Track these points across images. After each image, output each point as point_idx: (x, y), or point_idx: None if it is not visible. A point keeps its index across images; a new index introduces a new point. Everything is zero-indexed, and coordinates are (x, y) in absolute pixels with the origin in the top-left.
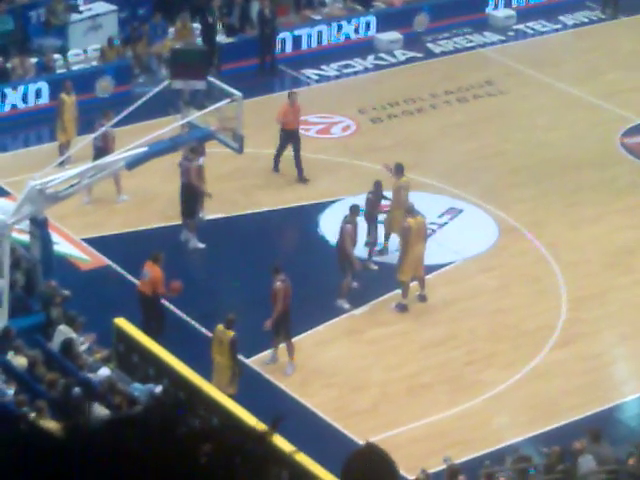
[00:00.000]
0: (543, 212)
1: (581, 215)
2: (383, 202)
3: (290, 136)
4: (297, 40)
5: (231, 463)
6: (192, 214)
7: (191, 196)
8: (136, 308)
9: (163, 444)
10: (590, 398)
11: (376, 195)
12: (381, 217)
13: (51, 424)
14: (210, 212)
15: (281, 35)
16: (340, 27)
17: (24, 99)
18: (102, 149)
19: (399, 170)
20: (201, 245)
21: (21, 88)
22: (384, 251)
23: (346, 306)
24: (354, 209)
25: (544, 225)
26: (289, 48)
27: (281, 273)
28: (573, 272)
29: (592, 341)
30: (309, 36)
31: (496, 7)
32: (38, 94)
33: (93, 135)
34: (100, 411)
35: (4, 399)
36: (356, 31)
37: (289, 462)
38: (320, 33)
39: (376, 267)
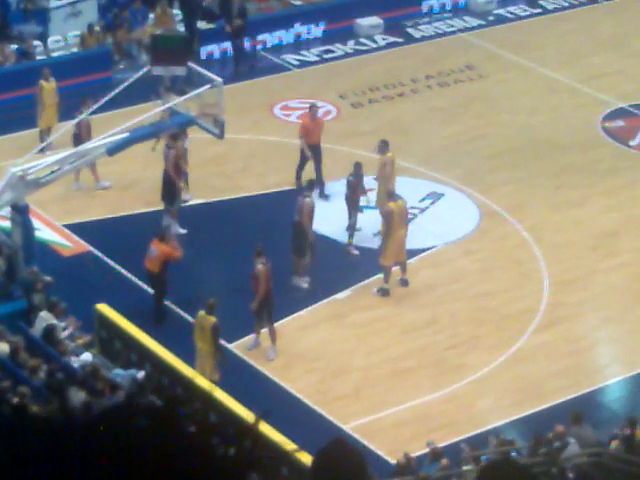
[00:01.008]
0: (525, 195)
1: (564, 198)
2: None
3: (311, 150)
4: (277, 25)
5: (224, 455)
6: (172, 200)
7: (171, 182)
8: (118, 294)
9: (160, 438)
10: (573, 381)
11: (356, 177)
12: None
13: (34, 409)
14: (192, 197)
15: (261, 21)
16: (320, 10)
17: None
18: (77, 136)
19: (384, 145)
20: (182, 231)
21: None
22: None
23: (304, 285)
24: (311, 184)
25: (526, 208)
26: (270, 33)
27: (262, 256)
28: (556, 255)
29: (575, 324)
30: (289, 21)
31: None
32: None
33: (72, 122)
34: (79, 396)
35: None
36: (336, 16)
37: (287, 458)
38: (300, 18)
39: (357, 252)
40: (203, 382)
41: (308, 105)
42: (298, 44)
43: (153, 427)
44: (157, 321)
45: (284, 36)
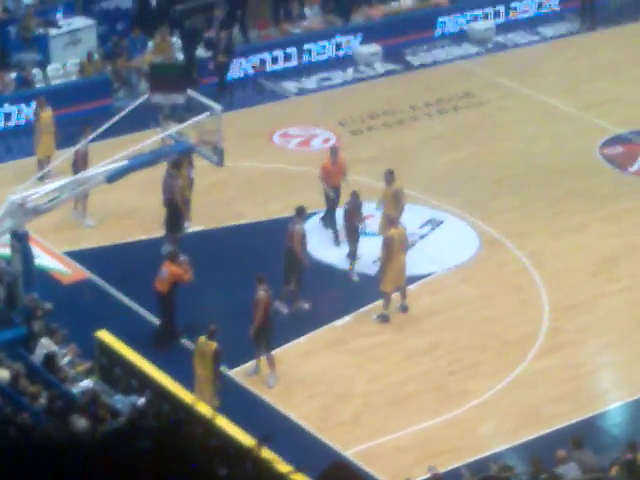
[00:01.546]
0: (525, 222)
1: (564, 224)
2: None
3: (333, 191)
4: (276, 53)
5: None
6: (176, 230)
7: (174, 212)
8: (118, 321)
9: (162, 459)
10: (574, 406)
11: (354, 206)
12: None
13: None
14: (191, 225)
15: (260, 48)
16: (319, 40)
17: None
18: (74, 164)
19: (390, 175)
20: (182, 257)
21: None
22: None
23: (284, 310)
24: (301, 211)
25: (527, 235)
26: (269, 61)
27: (264, 283)
28: (557, 281)
29: (576, 350)
30: (289, 49)
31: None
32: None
33: (74, 149)
34: (80, 423)
35: None
36: (336, 45)
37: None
38: (299, 46)
39: (357, 278)
40: (204, 408)
41: (312, 136)
42: (297, 71)
43: (155, 448)
44: (159, 345)
45: (283, 63)
